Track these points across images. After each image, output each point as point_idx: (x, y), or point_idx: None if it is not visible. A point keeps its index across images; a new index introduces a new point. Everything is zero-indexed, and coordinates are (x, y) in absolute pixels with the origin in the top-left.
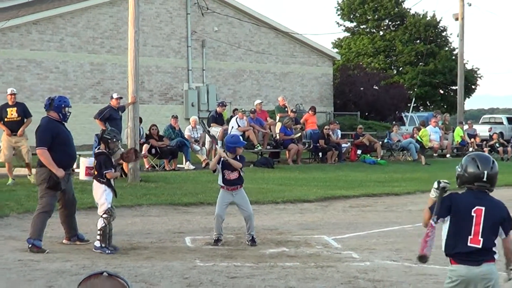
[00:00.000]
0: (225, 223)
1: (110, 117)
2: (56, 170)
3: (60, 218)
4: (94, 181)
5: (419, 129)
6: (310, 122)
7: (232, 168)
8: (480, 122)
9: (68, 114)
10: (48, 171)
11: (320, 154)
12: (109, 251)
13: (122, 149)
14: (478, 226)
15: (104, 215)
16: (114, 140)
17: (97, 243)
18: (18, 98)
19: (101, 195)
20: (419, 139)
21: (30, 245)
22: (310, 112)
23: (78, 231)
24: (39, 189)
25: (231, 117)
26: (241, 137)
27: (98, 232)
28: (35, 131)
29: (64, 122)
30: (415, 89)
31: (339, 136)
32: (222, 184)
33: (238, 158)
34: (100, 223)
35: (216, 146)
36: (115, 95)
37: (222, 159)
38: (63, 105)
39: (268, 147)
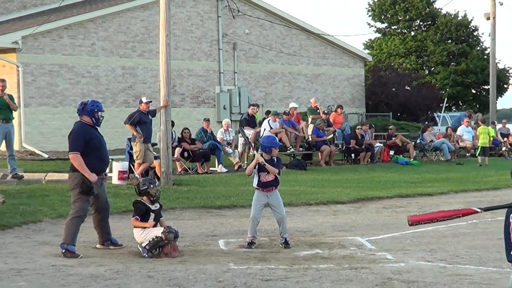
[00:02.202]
0: (259, 226)
1: (140, 121)
2: (89, 174)
3: (94, 222)
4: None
5: (454, 130)
6: (337, 121)
7: (268, 171)
8: None
9: (101, 118)
10: (80, 176)
11: (353, 155)
12: (146, 255)
13: (155, 153)
14: None
15: (163, 233)
16: (152, 186)
17: (144, 244)
18: (50, 104)
19: (139, 236)
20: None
21: (63, 250)
22: (337, 110)
23: (112, 235)
24: (72, 194)
25: (264, 119)
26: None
27: (153, 238)
28: (68, 136)
29: (97, 126)
30: (447, 89)
31: (371, 137)
32: (257, 186)
33: (275, 159)
34: (158, 233)
35: (254, 151)
36: (144, 99)
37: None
38: (95, 110)
39: (301, 149)
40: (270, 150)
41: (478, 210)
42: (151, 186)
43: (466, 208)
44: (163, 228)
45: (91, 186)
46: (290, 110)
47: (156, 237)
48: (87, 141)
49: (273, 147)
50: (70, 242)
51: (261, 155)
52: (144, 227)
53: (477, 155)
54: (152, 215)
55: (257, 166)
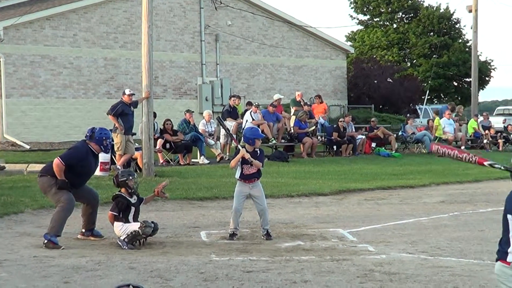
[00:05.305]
0: (241, 217)
1: (123, 113)
2: (62, 179)
3: (82, 211)
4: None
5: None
6: (316, 112)
7: (252, 163)
8: (494, 114)
9: (110, 145)
10: (54, 180)
11: (335, 147)
12: (126, 247)
13: (137, 144)
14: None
15: (140, 228)
16: (130, 178)
17: (122, 237)
18: (32, 94)
19: (119, 231)
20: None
21: (46, 241)
22: (316, 100)
23: (95, 226)
24: (50, 196)
25: (245, 111)
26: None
27: (131, 232)
28: (70, 148)
29: (106, 153)
30: (429, 82)
31: (353, 129)
32: (240, 178)
33: (258, 151)
34: (136, 228)
35: (239, 146)
36: (127, 91)
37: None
38: (104, 137)
39: (283, 140)
40: (254, 141)
41: (486, 164)
42: (130, 177)
43: (481, 158)
44: (139, 223)
45: (66, 182)
46: (276, 101)
47: (134, 231)
48: (78, 164)
49: (257, 139)
50: (55, 233)
51: (244, 147)
52: None
53: None
54: (133, 209)
55: (240, 159)
